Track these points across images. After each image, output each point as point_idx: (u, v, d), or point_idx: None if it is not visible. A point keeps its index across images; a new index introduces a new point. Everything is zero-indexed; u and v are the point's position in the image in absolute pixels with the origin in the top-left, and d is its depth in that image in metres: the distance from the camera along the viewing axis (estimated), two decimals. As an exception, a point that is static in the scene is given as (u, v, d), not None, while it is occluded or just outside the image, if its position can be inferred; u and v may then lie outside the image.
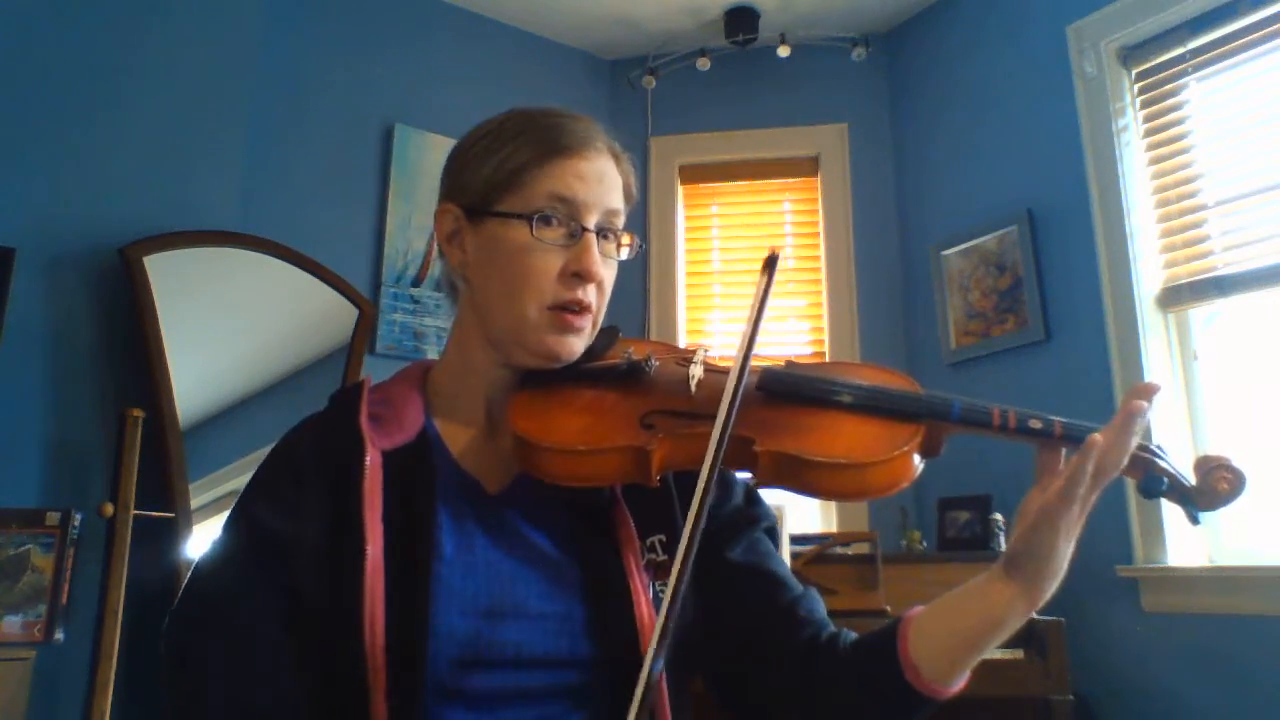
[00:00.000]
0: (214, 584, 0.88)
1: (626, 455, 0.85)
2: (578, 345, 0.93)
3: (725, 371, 0.94)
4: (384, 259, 2.95)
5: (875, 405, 0.87)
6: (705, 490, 0.76)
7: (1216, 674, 2.21)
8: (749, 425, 0.83)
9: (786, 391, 0.90)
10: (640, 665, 0.86)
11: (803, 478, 0.83)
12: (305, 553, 0.85)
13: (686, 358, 0.97)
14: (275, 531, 0.86)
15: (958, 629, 0.82)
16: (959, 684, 0.84)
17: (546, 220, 0.89)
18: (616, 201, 0.95)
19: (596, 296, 0.93)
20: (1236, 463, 0.82)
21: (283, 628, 0.84)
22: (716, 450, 0.78)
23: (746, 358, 0.83)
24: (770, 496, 1.04)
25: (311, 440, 0.92)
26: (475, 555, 0.88)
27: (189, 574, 0.90)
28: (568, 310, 0.91)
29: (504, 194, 0.91)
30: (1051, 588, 0.81)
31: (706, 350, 0.97)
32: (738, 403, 0.81)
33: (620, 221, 0.96)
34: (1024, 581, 0.80)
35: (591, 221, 0.92)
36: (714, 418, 0.82)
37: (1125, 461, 0.78)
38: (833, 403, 0.88)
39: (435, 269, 2.96)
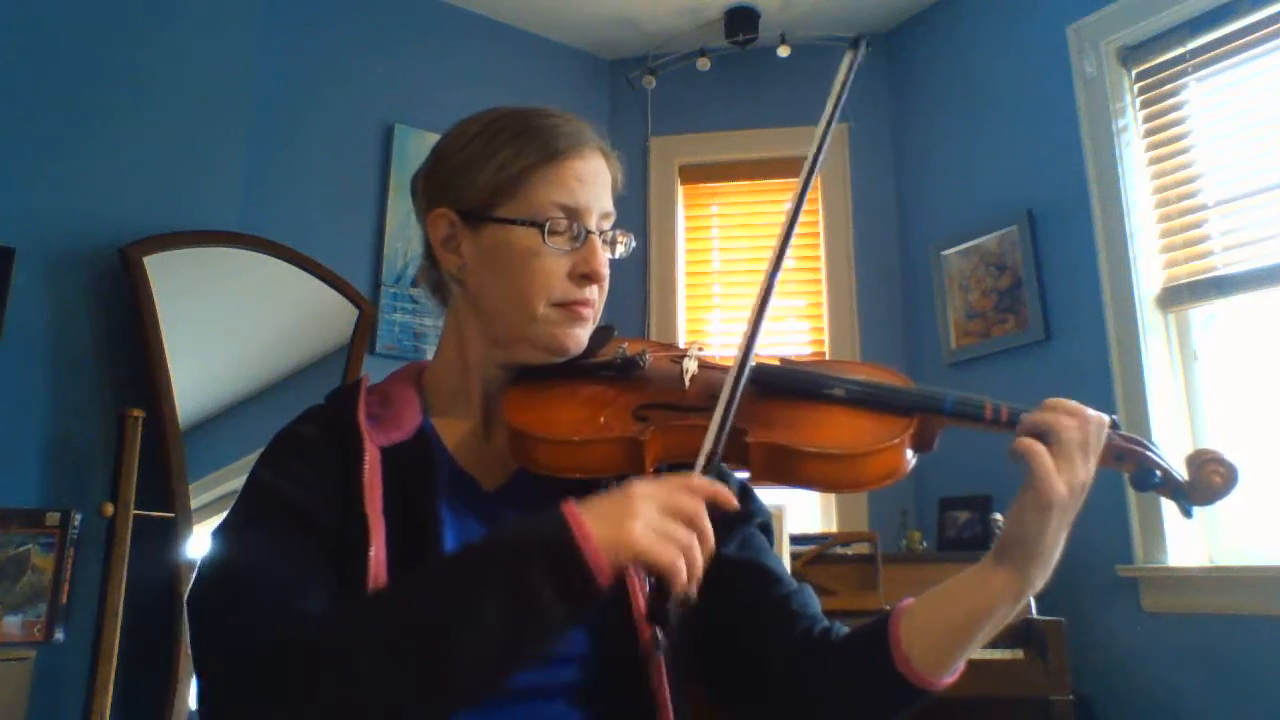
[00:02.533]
0: (241, 547, 0.83)
1: (620, 446, 0.86)
2: (584, 337, 0.95)
3: (718, 368, 0.95)
4: (384, 259, 2.95)
5: (868, 398, 0.88)
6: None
7: (1216, 674, 2.21)
8: (743, 417, 0.84)
9: (779, 385, 0.91)
10: (638, 664, 0.86)
11: (795, 469, 0.84)
12: (325, 523, 0.84)
13: (680, 355, 0.98)
14: (296, 498, 0.84)
15: (949, 618, 0.83)
16: (952, 675, 0.84)
17: (556, 226, 0.91)
18: (610, 201, 0.97)
19: (599, 294, 0.95)
20: (1229, 457, 0.82)
21: (322, 575, 0.81)
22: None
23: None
24: (770, 495, 1.05)
25: (317, 430, 0.92)
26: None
27: (207, 551, 0.85)
28: (576, 303, 0.92)
29: (505, 199, 0.92)
30: (1042, 577, 0.81)
31: (701, 348, 0.98)
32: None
33: (614, 219, 0.98)
34: (1014, 570, 0.81)
35: (593, 223, 0.94)
36: (707, 410, 0.84)
37: (1078, 436, 0.79)
38: (825, 396, 0.89)
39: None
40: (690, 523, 0.74)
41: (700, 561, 0.74)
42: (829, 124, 0.92)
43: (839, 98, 0.94)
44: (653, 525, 0.73)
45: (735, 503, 0.79)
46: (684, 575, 0.72)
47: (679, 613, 0.75)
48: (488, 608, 0.71)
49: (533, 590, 0.71)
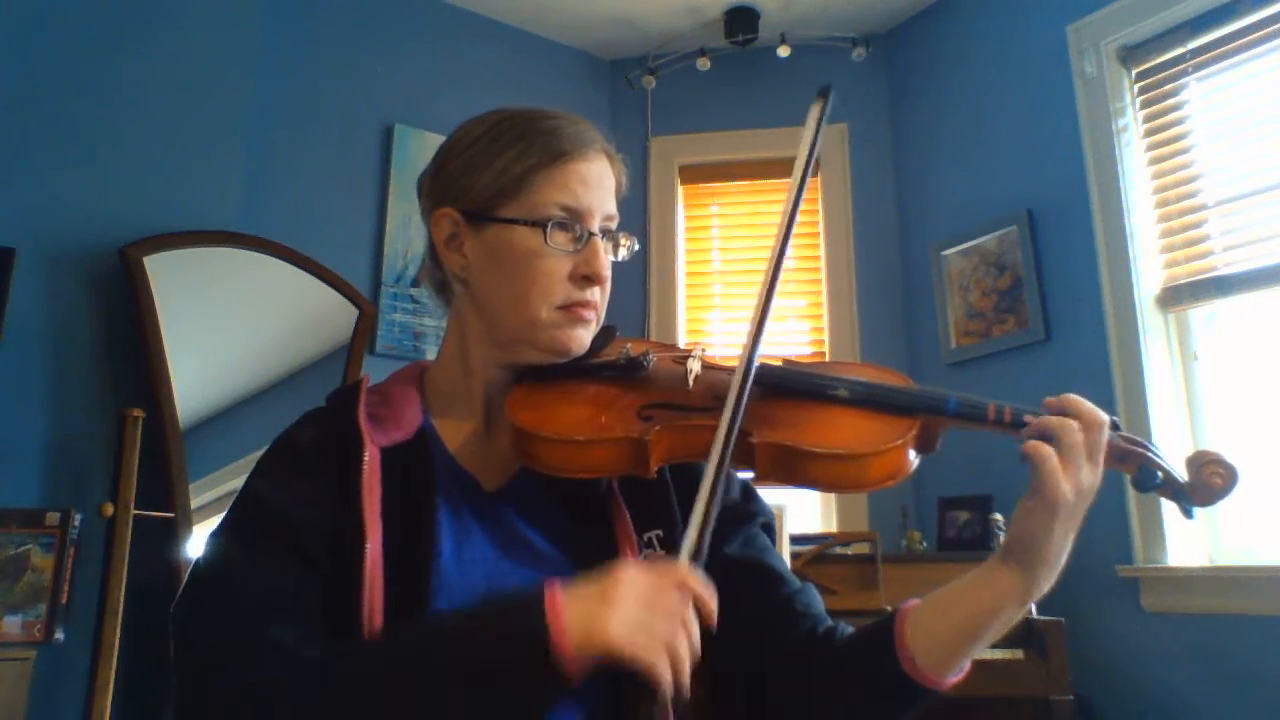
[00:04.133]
0: (225, 563, 0.85)
1: (624, 446, 0.86)
2: (587, 338, 0.95)
3: (721, 369, 0.95)
4: (384, 259, 2.95)
5: (871, 399, 0.88)
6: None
7: (1216, 674, 2.21)
8: (747, 418, 0.84)
9: (783, 386, 0.91)
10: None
11: (799, 469, 0.84)
12: (315, 538, 0.84)
13: (684, 355, 0.98)
14: (287, 514, 0.84)
15: (954, 620, 0.83)
16: (957, 675, 0.84)
17: (558, 227, 0.91)
18: (613, 203, 0.97)
19: (601, 295, 0.95)
20: (1230, 458, 0.82)
21: (302, 600, 0.82)
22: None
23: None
24: (771, 495, 1.05)
25: (313, 435, 0.92)
26: (473, 552, 0.88)
27: (198, 558, 0.86)
28: (577, 305, 0.92)
29: (508, 200, 0.92)
30: (1048, 579, 0.81)
31: (704, 349, 0.98)
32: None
33: (617, 221, 0.98)
34: (1020, 571, 0.81)
35: (595, 225, 0.94)
36: (711, 410, 0.84)
37: (1083, 439, 0.79)
38: (829, 397, 0.89)
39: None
40: (676, 622, 0.71)
41: (686, 662, 0.71)
42: (804, 174, 0.91)
43: (811, 147, 0.92)
44: (634, 622, 0.70)
45: (714, 621, 0.75)
46: (667, 678, 0.70)
47: (658, 715, 0.72)
48: (451, 690, 0.71)
49: (496, 680, 0.71)
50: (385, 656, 0.76)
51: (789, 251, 0.91)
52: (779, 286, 0.89)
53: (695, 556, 0.76)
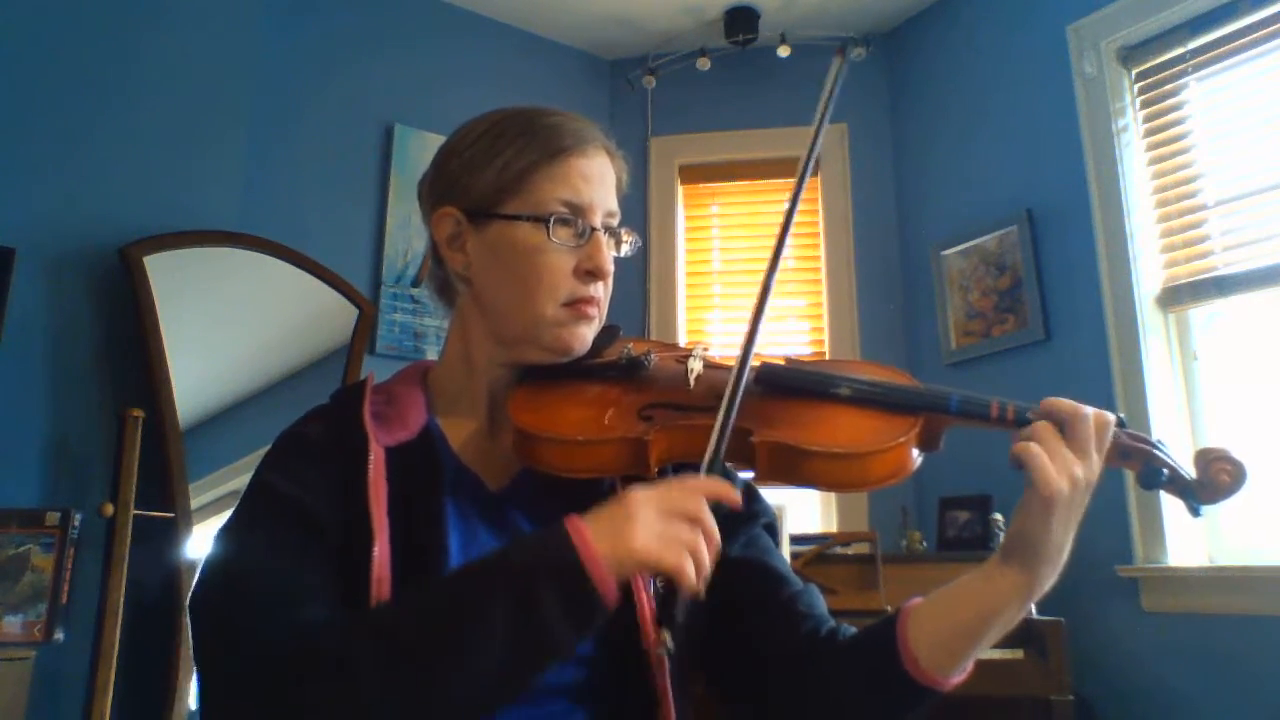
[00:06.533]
0: (242, 552, 0.84)
1: (625, 446, 0.86)
2: (589, 336, 0.95)
3: (723, 368, 0.95)
4: (384, 259, 2.95)
5: (873, 398, 0.88)
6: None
7: (1216, 674, 2.21)
8: (747, 417, 0.84)
9: (784, 384, 0.91)
10: (642, 663, 0.86)
11: (800, 468, 0.84)
12: (330, 525, 0.83)
13: (685, 354, 0.98)
14: (301, 501, 0.84)
15: (957, 620, 0.83)
16: (960, 676, 0.84)
17: (560, 222, 0.91)
18: (614, 200, 0.97)
19: (604, 292, 0.95)
20: (1237, 455, 0.81)
21: (324, 581, 0.81)
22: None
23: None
24: (771, 495, 1.05)
25: (321, 429, 0.92)
26: (480, 552, 0.88)
27: (210, 552, 0.85)
28: (581, 302, 0.92)
29: (510, 197, 0.92)
30: (1049, 578, 0.81)
31: (705, 348, 0.98)
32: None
33: (618, 218, 0.98)
34: (1020, 570, 0.81)
35: (598, 220, 0.94)
36: (712, 410, 0.84)
37: (1088, 435, 0.79)
38: (830, 395, 0.89)
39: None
40: (693, 522, 0.74)
41: (708, 560, 0.74)
42: (820, 127, 0.92)
43: (827, 103, 0.94)
44: (655, 530, 0.73)
45: (738, 498, 0.79)
46: (692, 576, 0.72)
47: (686, 613, 0.75)
48: (493, 628, 0.71)
49: (539, 611, 0.71)
50: (419, 607, 0.76)
51: (789, 242, 0.92)
52: (789, 239, 0.90)
53: (712, 465, 0.80)
